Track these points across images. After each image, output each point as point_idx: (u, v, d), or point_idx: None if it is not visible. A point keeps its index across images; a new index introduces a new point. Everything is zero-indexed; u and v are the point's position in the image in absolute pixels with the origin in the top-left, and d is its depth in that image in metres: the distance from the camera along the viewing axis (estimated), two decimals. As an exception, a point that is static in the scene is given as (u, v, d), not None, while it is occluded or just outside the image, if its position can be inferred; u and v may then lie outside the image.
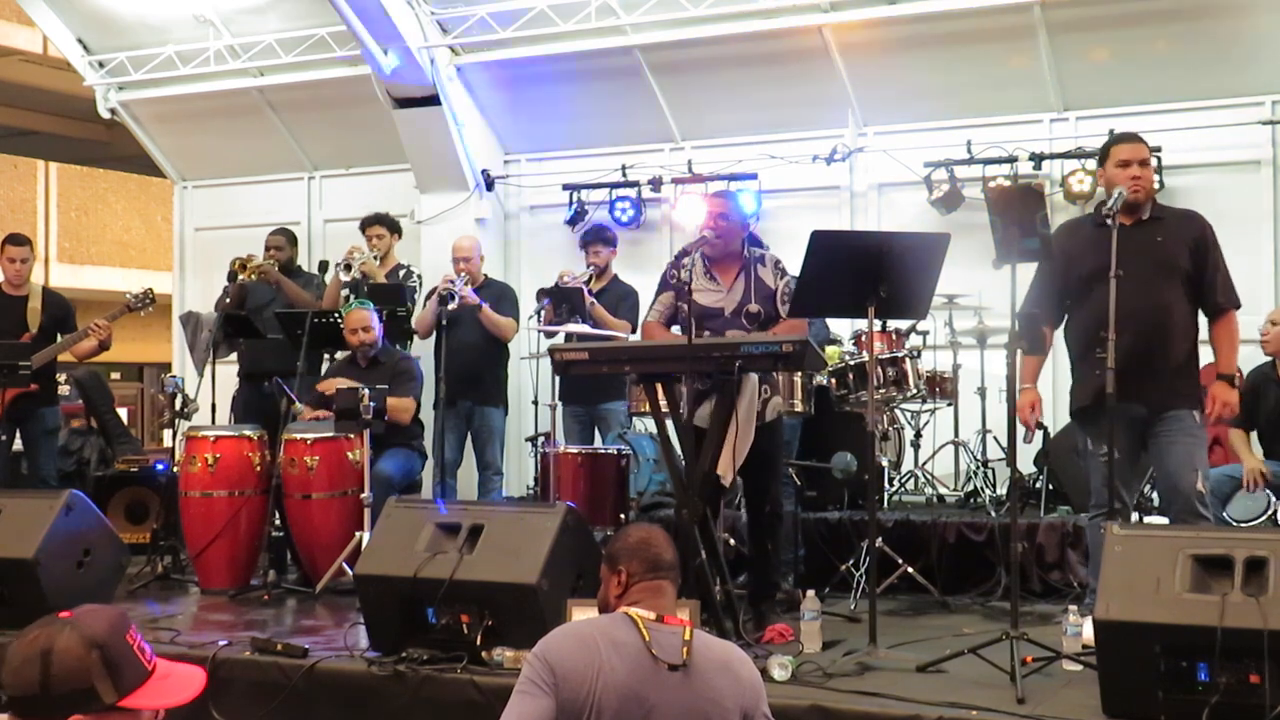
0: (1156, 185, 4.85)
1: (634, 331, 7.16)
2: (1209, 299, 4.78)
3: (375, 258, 7.74)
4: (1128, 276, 4.50)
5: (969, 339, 6.99)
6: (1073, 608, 4.65)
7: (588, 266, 7.49)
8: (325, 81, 8.93)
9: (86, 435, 8.74)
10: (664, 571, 3.04)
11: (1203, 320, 4.89)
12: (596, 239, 7.60)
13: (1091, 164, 7.43)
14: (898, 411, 6.90)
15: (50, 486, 6.98)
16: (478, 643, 4.47)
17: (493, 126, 8.88)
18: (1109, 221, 4.53)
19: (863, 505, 6.03)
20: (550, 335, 7.04)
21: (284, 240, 7.97)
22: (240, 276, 7.58)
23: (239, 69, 9.05)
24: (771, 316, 5.28)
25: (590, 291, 7.23)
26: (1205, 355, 4.92)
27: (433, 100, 8.37)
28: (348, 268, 7.52)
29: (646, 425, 6.91)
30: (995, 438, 7.06)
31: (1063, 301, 4.92)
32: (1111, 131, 7.28)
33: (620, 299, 7.39)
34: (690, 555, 4.47)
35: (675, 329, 5.43)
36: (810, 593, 4.91)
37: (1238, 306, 4.84)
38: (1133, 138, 4.91)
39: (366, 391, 6.21)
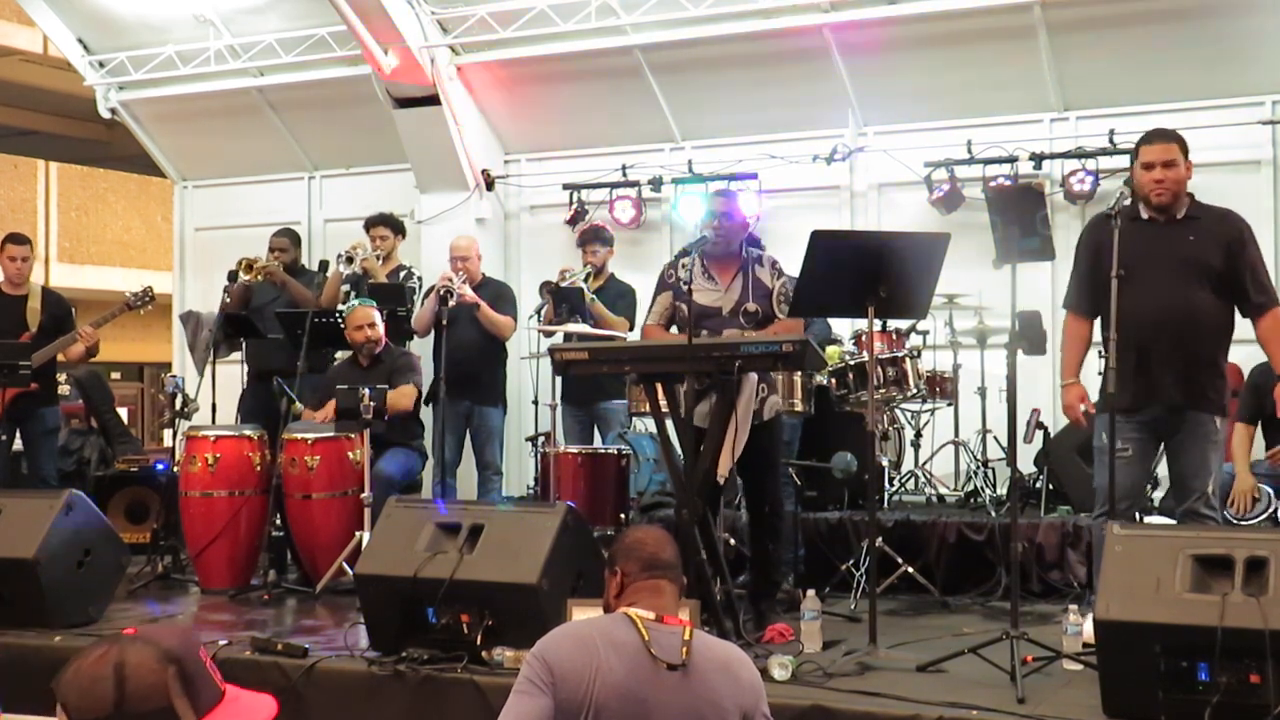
0: (1189, 176, 4.74)
1: (632, 329, 7.17)
2: (1245, 299, 4.71)
3: (378, 257, 7.75)
4: (1155, 275, 4.49)
5: (969, 339, 6.99)
6: (1073, 607, 4.65)
7: (585, 265, 7.50)
8: (325, 81, 8.93)
9: (86, 435, 8.74)
10: (660, 571, 3.03)
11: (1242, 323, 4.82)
12: (594, 239, 7.60)
13: (1092, 163, 7.45)
14: (898, 411, 6.90)
15: (50, 486, 6.98)
16: (478, 643, 4.47)
17: (493, 126, 8.88)
18: (1114, 220, 4.53)
19: (863, 505, 6.02)
20: (550, 335, 7.04)
21: (288, 242, 7.98)
22: (245, 278, 7.57)
23: (239, 69, 9.04)
24: (769, 316, 5.28)
25: (589, 290, 7.24)
26: (1233, 356, 4.89)
27: (433, 100, 8.37)
28: (349, 260, 7.53)
29: (646, 425, 6.91)
30: (995, 438, 7.06)
31: (1095, 295, 4.86)
32: (1112, 132, 7.34)
33: (618, 297, 7.40)
34: (690, 555, 4.47)
35: (675, 330, 5.43)
36: (810, 592, 4.91)
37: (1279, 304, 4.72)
38: (1160, 136, 4.77)
39: (367, 391, 6.21)
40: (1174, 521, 4.86)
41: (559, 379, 6.74)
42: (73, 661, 1.93)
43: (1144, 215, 4.71)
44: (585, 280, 7.29)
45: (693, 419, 4.90)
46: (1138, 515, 5.04)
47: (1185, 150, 4.75)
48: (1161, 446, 4.88)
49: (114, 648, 1.91)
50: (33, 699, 3.47)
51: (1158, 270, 4.56)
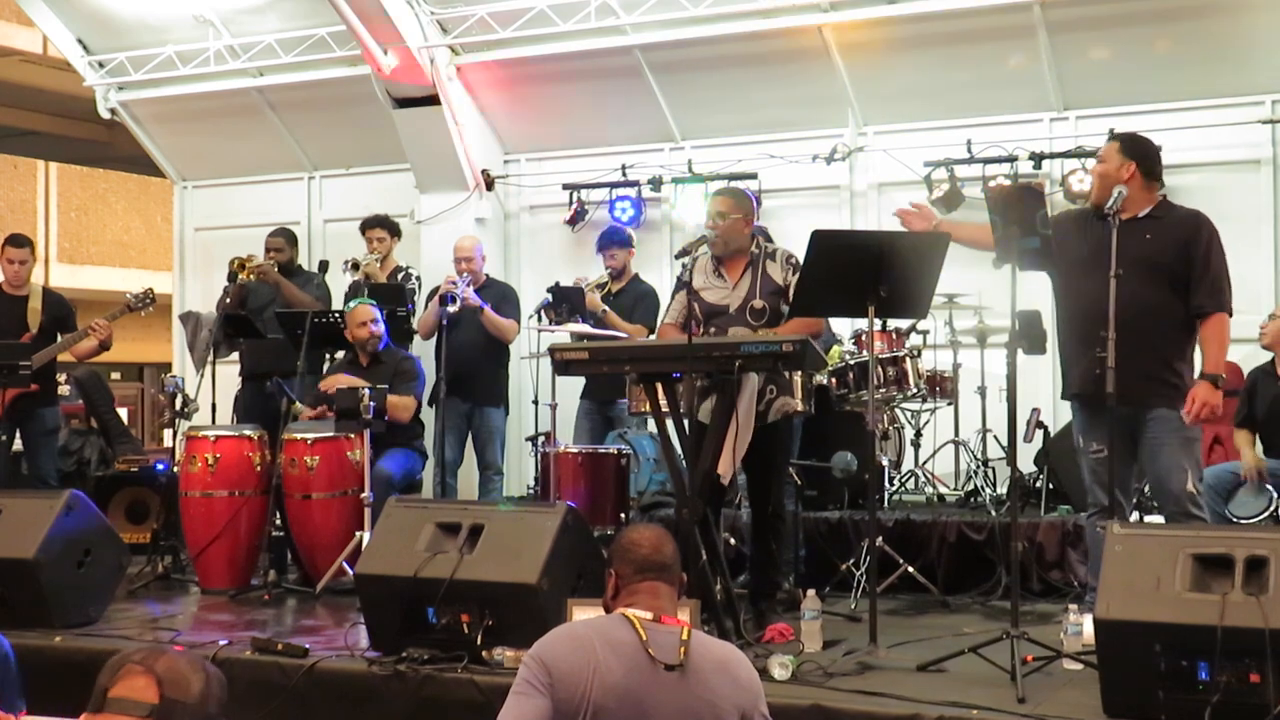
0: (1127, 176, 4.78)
1: (652, 333, 7.15)
2: (1192, 300, 4.70)
3: (377, 260, 7.77)
4: (1103, 271, 4.48)
5: (969, 338, 6.99)
6: (1073, 607, 4.64)
7: (606, 269, 7.51)
8: (325, 81, 8.93)
9: (86, 435, 8.74)
10: (654, 572, 3.01)
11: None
12: (610, 243, 7.58)
13: (1091, 163, 7.45)
14: (898, 411, 6.90)
15: (50, 486, 6.98)
16: (478, 642, 4.47)
17: (493, 126, 8.89)
18: (1109, 219, 4.55)
19: (863, 504, 6.03)
20: (554, 334, 7.04)
21: (283, 241, 7.98)
22: (240, 276, 7.59)
23: (239, 69, 9.05)
24: (777, 313, 5.25)
25: (610, 294, 7.25)
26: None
27: (433, 100, 8.38)
28: (355, 267, 7.57)
29: (651, 424, 6.91)
30: (995, 437, 7.06)
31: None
32: (1111, 131, 7.33)
33: (638, 299, 7.38)
34: (690, 555, 4.46)
35: None
36: (811, 592, 4.90)
37: (1224, 311, 4.71)
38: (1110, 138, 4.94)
39: (367, 391, 6.21)
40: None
41: (567, 378, 6.71)
42: (147, 652, 2.27)
43: (1107, 218, 4.72)
44: (599, 288, 7.32)
45: (694, 416, 4.90)
46: (1137, 514, 5.04)
47: (1128, 150, 4.80)
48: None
49: (189, 655, 2.27)
50: (33, 700, 3.47)
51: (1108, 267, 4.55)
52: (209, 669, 2.27)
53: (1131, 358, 4.59)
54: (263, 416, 7.19)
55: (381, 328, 6.78)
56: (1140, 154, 4.80)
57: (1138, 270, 4.63)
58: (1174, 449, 4.68)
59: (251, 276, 7.62)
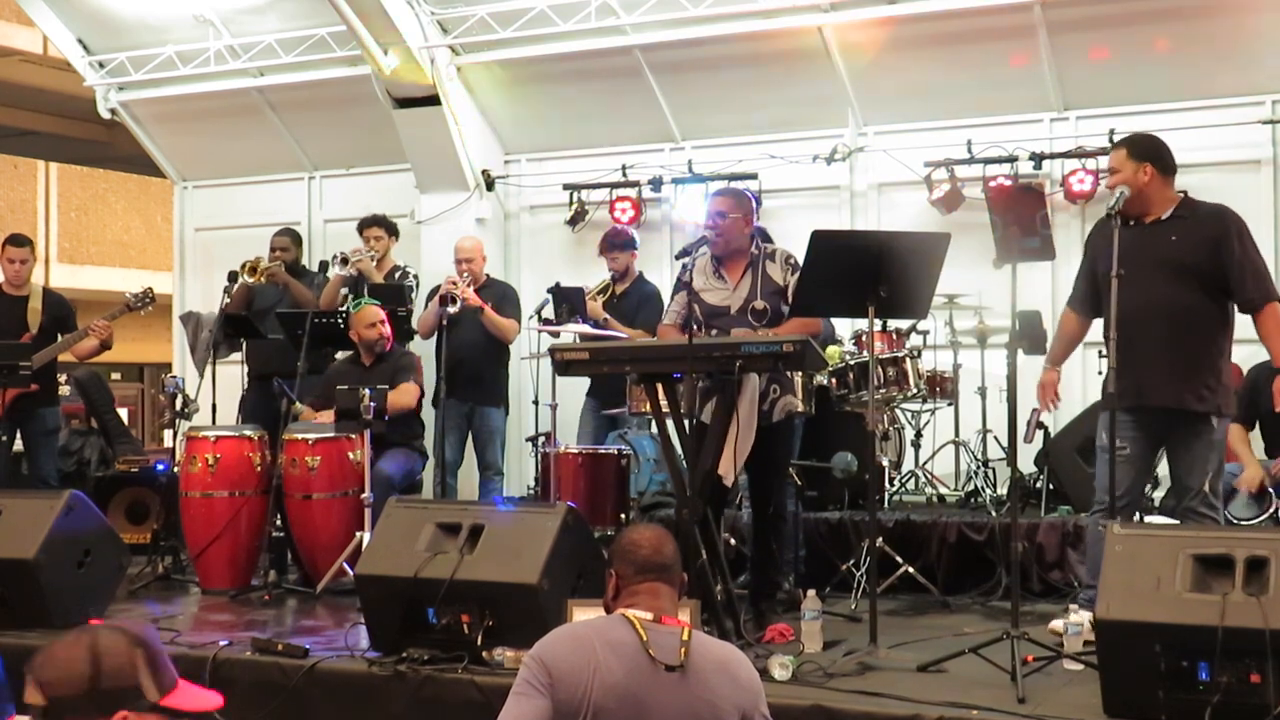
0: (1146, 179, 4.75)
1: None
2: (1237, 296, 4.68)
3: (373, 258, 7.77)
4: (1134, 276, 4.48)
5: (969, 339, 6.99)
6: (1073, 607, 4.66)
7: (609, 272, 7.50)
8: (325, 81, 8.93)
9: (86, 435, 8.73)
10: (653, 573, 3.02)
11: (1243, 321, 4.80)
12: (612, 245, 7.57)
13: (1091, 163, 7.45)
14: (898, 411, 6.90)
15: (50, 487, 6.99)
16: (478, 643, 4.48)
17: (493, 126, 8.88)
18: (1114, 220, 4.56)
19: (863, 505, 6.02)
20: (555, 335, 7.04)
21: (289, 241, 8.00)
22: (249, 280, 7.58)
23: (239, 69, 9.04)
24: (778, 313, 5.26)
25: (615, 296, 7.23)
26: (1235, 356, 4.88)
27: (433, 100, 8.38)
28: (344, 262, 7.56)
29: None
30: (995, 437, 7.06)
31: (1089, 295, 4.93)
32: (1112, 132, 7.33)
33: (643, 300, 7.36)
34: (690, 555, 4.46)
35: None
36: (811, 592, 4.91)
37: (1274, 299, 4.67)
38: (1114, 145, 4.93)
39: (367, 392, 6.21)
40: (1174, 521, 4.87)
41: (568, 378, 6.72)
42: (47, 646, 2.16)
43: (1112, 220, 4.73)
44: (602, 293, 7.31)
45: (694, 417, 4.90)
46: (1137, 514, 5.04)
47: (1138, 153, 4.74)
48: (1163, 448, 4.88)
49: (85, 634, 2.14)
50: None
51: (1141, 272, 4.54)
52: (99, 643, 2.12)
53: (1167, 361, 4.59)
54: (267, 417, 7.19)
55: (388, 329, 6.79)
56: (1152, 153, 4.76)
57: (1166, 273, 4.63)
58: (1198, 450, 4.70)
59: (262, 279, 7.62)
